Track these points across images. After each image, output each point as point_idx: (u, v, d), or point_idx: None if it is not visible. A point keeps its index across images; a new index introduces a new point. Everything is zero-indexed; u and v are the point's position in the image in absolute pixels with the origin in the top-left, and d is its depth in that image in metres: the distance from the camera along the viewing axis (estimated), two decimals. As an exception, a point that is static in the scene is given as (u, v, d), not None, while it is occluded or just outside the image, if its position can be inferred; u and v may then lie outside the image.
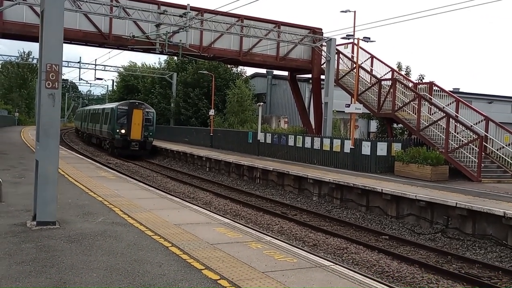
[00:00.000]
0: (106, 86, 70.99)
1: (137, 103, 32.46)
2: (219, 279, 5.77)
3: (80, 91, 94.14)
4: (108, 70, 54.22)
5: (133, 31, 23.18)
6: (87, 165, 19.10)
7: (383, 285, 6.24)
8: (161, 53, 25.33)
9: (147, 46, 24.29)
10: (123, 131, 30.49)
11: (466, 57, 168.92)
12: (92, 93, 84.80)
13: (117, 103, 34.20)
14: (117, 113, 30.95)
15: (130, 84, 59.02)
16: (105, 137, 34.51)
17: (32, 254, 6.43)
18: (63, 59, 10.03)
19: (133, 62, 64.09)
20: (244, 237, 8.07)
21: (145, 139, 31.15)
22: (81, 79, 51.28)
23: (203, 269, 6.11)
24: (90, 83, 66.71)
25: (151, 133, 31.76)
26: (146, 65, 60.47)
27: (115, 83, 67.65)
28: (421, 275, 9.42)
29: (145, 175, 22.82)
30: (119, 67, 50.41)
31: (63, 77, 46.32)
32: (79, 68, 44.06)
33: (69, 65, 43.74)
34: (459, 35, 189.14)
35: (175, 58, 43.40)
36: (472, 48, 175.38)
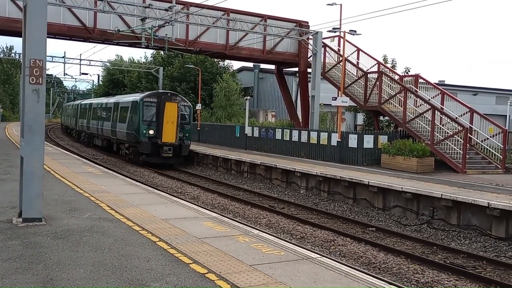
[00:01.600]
0: (91, 81, 70.26)
1: (169, 94, 24.31)
2: (207, 273, 5.79)
3: (65, 86, 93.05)
4: (94, 65, 53.71)
5: (118, 25, 22.96)
6: (73, 161, 18.96)
7: (369, 276, 6.32)
8: (147, 47, 25.16)
9: (132, 41, 24.09)
10: (151, 132, 23.17)
11: (451, 50, 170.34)
12: (77, 88, 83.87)
13: (140, 94, 25.97)
14: (143, 107, 23.55)
15: (116, 79, 58.59)
16: (121, 140, 26.69)
17: (18, 251, 6.39)
18: (47, 54, 9.95)
19: (119, 55, 63.66)
20: (231, 231, 8.10)
21: (181, 143, 23.81)
22: (66, 74, 50.59)
23: (190, 263, 6.13)
24: (75, 78, 65.83)
25: (187, 134, 24.41)
26: (133, 60, 60.06)
27: (100, 78, 67.07)
28: (407, 265, 9.54)
29: (132, 171, 22.72)
30: (104, 61, 49.90)
31: (47, 72, 45.90)
32: (64, 63, 43.37)
33: (54, 60, 42.87)
34: (444, 27, 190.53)
35: (161, 52, 43.19)
36: (457, 40, 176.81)
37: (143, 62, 57.31)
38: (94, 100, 37.28)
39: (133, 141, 24.30)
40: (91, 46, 56.26)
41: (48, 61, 40.09)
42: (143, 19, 22.79)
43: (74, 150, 30.62)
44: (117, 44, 25.60)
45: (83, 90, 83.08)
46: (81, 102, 41.16)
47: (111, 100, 30.73)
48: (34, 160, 7.80)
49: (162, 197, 11.49)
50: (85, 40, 25.02)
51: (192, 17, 23.51)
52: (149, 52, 54.49)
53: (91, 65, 44.95)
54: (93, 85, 70.57)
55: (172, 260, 6.25)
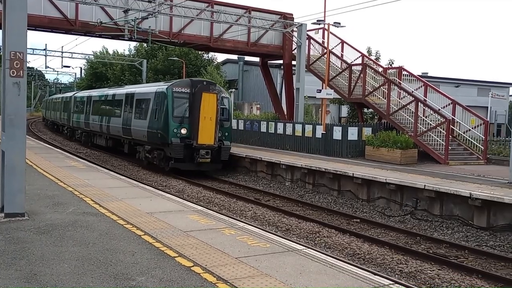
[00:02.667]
0: (74, 74, 69.30)
1: (205, 83, 19.01)
2: (193, 266, 5.79)
3: (47, 79, 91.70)
4: (76, 58, 53.13)
5: (100, 17, 22.63)
6: (56, 155, 18.74)
7: (354, 267, 6.38)
8: (130, 39, 24.87)
9: (115, 33, 23.79)
10: (183, 131, 18.51)
11: (434, 42, 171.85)
12: (59, 81, 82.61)
13: (166, 83, 20.57)
14: (173, 100, 18.68)
15: (99, 72, 57.95)
16: (139, 141, 21.65)
17: (0, 246, 6.31)
18: (28, 47, 9.77)
19: (105, 48, 62.89)
20: (217, 223, 8.10)
21: (220, 144, 18.98)
22: (48, 67, 49.52)
23: (176, 257, 6.12)
24: (57, 71, 64.83)
25: (227, 134, 19.59)
26: (117, 53, 59.40)
27: (83, 71, 66.25)
28: (391, 256, 9.65)
29: (116, 164, 22.54)
30: (87, 54, 49.18)
31: (28, 65, 45.07)
32: (45, 55, 42.73)
33: (35, 53, 42.22)
34: (428, 19, 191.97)
35: (145, 44, 42.77)
36: (440, 32, 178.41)
37: (127, 54, 56.77)
38: (95, 92, 31.98)
39: (158, 143, 19.36)
40: (73, 39, 55.40)
41: (29, 53, 39.33)
42: (126, 11, 22.51)
43: (56, 144, 30.25)
44: (100, 36, 25.28)
45: (65, 83, 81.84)
46: (76, 94, 35.71)
47: (121, 90, 25.83)
48: (16, 154, 7.69)
49: (147, 190, 11.44)
50: (66, 32, 24.65)
51: (176, 9, 23.30)
52: (133, 45, 54.00)
53: (73, 58, 44.60)
54: (75, 78, 69.68)
55: (157, 254, 6.23)
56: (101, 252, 6.23)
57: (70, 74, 69.41)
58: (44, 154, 17.97)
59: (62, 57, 43.02)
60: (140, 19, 22.99)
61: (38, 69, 75.12)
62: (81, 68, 65.80)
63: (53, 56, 43.82)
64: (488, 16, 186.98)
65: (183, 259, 6.03)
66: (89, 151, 27.71)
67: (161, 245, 6.63)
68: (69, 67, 51.21)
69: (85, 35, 25.44)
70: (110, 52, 61.10)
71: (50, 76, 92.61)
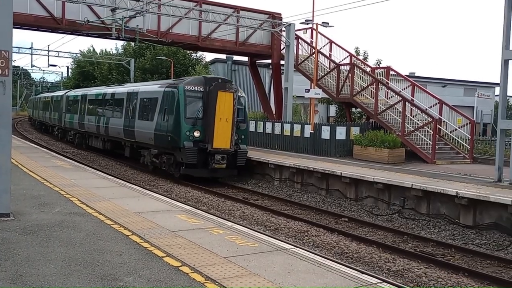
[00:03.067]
0: (60, 73, 68.66)
1: (220, 81, 17.32)
2: (181, 266, 5.76)
3: (33, 78, 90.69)
4: (62, 57, 52.54)
5: (87, 16, 22.42)
6: (42, 154, 18.55)
7: (342, 266, 6.40)
8: (118, 38, 24.64)
9: (102, 32, 23.59)
10: (197, 134, 16.90)
11: (422, 42, 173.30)
12: (46, 80, 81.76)
13: (175, 81, 19.13)
14: (185, 99, 17.09)
15: (86, 71, 57.47)
16: (144, 144, 19.91)
17: (-15, 247, 6.23)
18: (14, 45, 9.67)
19: (92, 46, 62.42)
20: (205, 223, 8.08)
21: (236, 148, 17.44)
22: (34, 65, 48.89)
23: (164, 257, 6.09)
24: (44, 70, 64.18)
25: (243, 137, 18.06)
26: (105, 51, 58.97)
27: (70, 70, 65.63)
28: (379, 254, 9.70)
29: (103, 164, 22.36)
30: (74, 53, 48.64)
31: (14, 64, 44.49)
32: (31, 54, 42.20)
33: (20, 51, 41.65)
34: (416, 19, 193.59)
35: (133, 44, 42.50)
36: (428, 32, 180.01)
37: (114, 53, 56.37)
38: (91, 90, 29.98)
39: (168, 147, 17.73)
40: (60, 37, 55.03)
41: (14, 52, 38.90)
42: (113, 10, 22.33)
43: (43, 144, 29.94)
44: (87, 35, 25.04)
45: (51, 82, 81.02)
46: (69, 93, 33.65)
47: (121, 89, 24.03)
48: (1, 154, 7.60)
49: (135, 190, 11.37)
50: (53, 31, 24.39)
51: (164, 8, 23.18)
52: (120, 44, 53.67)
53: (60, 57, 43.78)
54: (62, 77, 69.04)
55: (145, 254, 6.19)
56: (88, 252, 6.17)
57: (56, 73, 68.82)
58: (30, 154, 17.78)
59: (48, 56, 42.55)
60: (127, 18, 22.84)
61: (24, 68, 74.24)
62: (67, 67, 65.22)
63: (39, 55, 43.33)
64: (475, 16, 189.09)
65: (171, 259, 6.00)
66: (76, 151, 27.43)
67: (149, 245, 6.59)
68: (55, 66, 50.64)
69: (71, 33, 25.20)
70: (98, 51, 60.65)
71: (36, 75, 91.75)
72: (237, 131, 17.29)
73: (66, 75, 67.88)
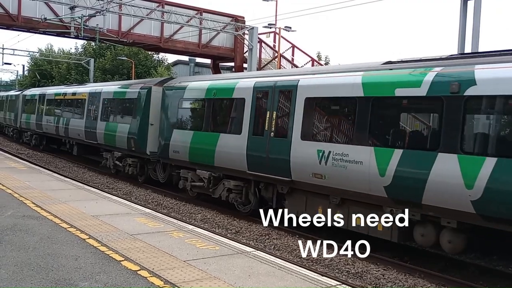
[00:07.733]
0: (16, 72, 66.44)
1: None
2: (139, 270, 5.65)
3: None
4: (18, 55, 50.81)
5: (45, 13, 21.78)
6: (-5, 155, 17.85)
7: (303, 269, 6.45)
8: (76, 37, 24.07)
9: (60, 30, 22.98)
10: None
11: (384, 47, 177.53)
12: (0, 78, 79.01)
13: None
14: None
15: (43, 69, 55.85)
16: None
17: None
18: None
19: (49, 45, 60.73)
20: (165, 226, 7.97)
21: None
22: (-13, 63, 47.14)
23: (122, 261, 5.96)
24: (-3, 68, 61.94)
25: None
26: (63, 51, 57.51)
27: (26, 69, 63.60)
28: (339, 257, 9.79)
29: (60, 166, 21.70)
30: (31, 51, 47.28)
31: (-34, 61, 42.63)
32: (-15, 51, 40.69)
33: (-27, 49, 40.16)
34: (378, 24, 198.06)
35: (93, 43, 41.64)
36: (390, 37, 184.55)
37: (73, 53, 55.05)
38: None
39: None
40: (15, 35, 53.03)
41: (-34, 49, 37.35)
42: (72, 8, 21.81)
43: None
44: (44, 33, 24.30)
45: (6, 81, 78.31)
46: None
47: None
48: (-51, 154, 7.25)
49: (93, 193, 11.11)
50: (7, 28, 23.58)
51: (125, 8, 22.80)
52: (80, 43, 52.40)
53: (15, 55, 42.44)
54: (17, 76, 66.80)
55: (102, 258, 6.04)
56: (42, 257, 5.96)
57: (11, 72, 66.55)
58: (-18, 155, 17.08)
59: (3, 54, 41.09)
60: (87, 17, 22.34)
61: (-23, 66, 71.42)
62: (23, 66, 63.19)
63: (-7, 52, 41.76)
64: (440, 21, 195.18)
65: (129, 263, 5.87)
66: (31, 152, 26.50)
67: (106, 249, 6.43)
68: (10, 64, 49.00)
69: (28, 31, 24.42)
70: (56, 49, 59.07)
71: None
72: None
73: (22, 73, 65.75)
